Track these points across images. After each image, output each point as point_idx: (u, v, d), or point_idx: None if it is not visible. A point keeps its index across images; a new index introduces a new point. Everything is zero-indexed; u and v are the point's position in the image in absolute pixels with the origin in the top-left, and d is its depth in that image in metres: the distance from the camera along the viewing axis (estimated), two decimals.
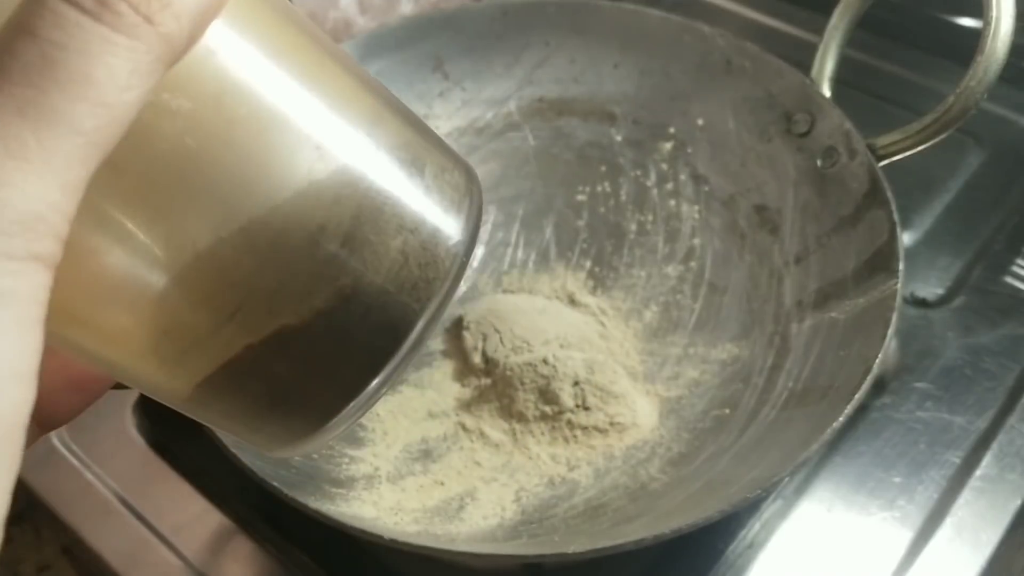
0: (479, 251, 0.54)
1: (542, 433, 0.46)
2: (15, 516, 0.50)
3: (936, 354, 0.50)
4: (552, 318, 0.50)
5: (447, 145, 0.22)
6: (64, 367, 0.23)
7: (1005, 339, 0.51)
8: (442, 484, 0.44)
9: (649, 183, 0.55)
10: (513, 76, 0.57)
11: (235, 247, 0.18)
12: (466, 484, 0.45)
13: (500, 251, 0.55)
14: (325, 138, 0.19)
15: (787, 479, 0.44)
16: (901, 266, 0.42)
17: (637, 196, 0.55)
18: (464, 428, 0.47)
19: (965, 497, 0.44)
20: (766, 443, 0.42)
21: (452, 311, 0.52)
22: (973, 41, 0.44)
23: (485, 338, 0.49)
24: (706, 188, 0.54)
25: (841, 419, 0.38)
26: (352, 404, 0.20)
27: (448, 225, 0.21)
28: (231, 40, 0.18)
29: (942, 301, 0.53)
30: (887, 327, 0.40)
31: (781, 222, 0.50)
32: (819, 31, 0.52)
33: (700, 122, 0.54)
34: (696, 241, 0.53)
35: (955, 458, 0.46)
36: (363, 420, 0.47)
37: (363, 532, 0.36)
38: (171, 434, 0.48)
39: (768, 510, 0.45)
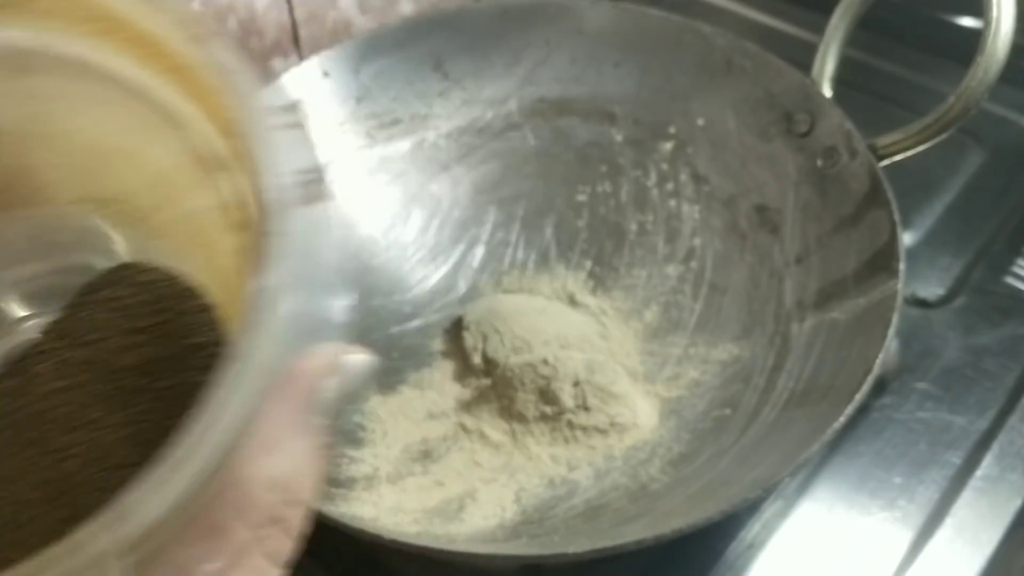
0: (479, 251, 0.54)
1: (542, 433, 0.46)
2: None
3: (937, 354, 0.50)
4: (552, 318, 0.50)
5: None
6: None
7: (1006, 339, 0.51)
8: (442, 484, 0.44)
9: (649, 183, 0.55)
10: (513, 75, 0.57)
11: None
12: (466, 484, 0.44)
13: (500, 251, 0.55)
14: None
15: (787, 479, 0.44)
16: (902, 266, 0.42)
17: (637, 196, 0.55)
18: (464, 429, 0.47)
19: (965, 497, 0.44)
20: (767, 443, 0.42)
21: (452, 311, 0.52)
22: (973, 41, 0.44)
23: (485, 338, 0.49)
24: (706, 188, 0.54)
25: (842, 419, 0.38)
26: None
27: None
28: None
29: (943, 301, 0.53)
30: (888, 327, 0.40)
31: (782, 222, 0.50)
32: (819, 31, 0.52)
33: (700, 122, 0.54)
34: (696, 241, 0.53)
35: (956, 458, 0.46)
36: (363, 421, 0.47)
37: (363, 532, 0.36)
38: None
39: (768, 510, 0.44)
